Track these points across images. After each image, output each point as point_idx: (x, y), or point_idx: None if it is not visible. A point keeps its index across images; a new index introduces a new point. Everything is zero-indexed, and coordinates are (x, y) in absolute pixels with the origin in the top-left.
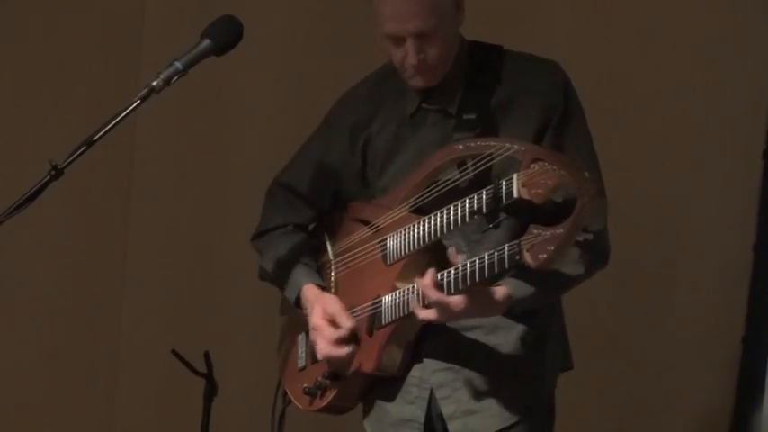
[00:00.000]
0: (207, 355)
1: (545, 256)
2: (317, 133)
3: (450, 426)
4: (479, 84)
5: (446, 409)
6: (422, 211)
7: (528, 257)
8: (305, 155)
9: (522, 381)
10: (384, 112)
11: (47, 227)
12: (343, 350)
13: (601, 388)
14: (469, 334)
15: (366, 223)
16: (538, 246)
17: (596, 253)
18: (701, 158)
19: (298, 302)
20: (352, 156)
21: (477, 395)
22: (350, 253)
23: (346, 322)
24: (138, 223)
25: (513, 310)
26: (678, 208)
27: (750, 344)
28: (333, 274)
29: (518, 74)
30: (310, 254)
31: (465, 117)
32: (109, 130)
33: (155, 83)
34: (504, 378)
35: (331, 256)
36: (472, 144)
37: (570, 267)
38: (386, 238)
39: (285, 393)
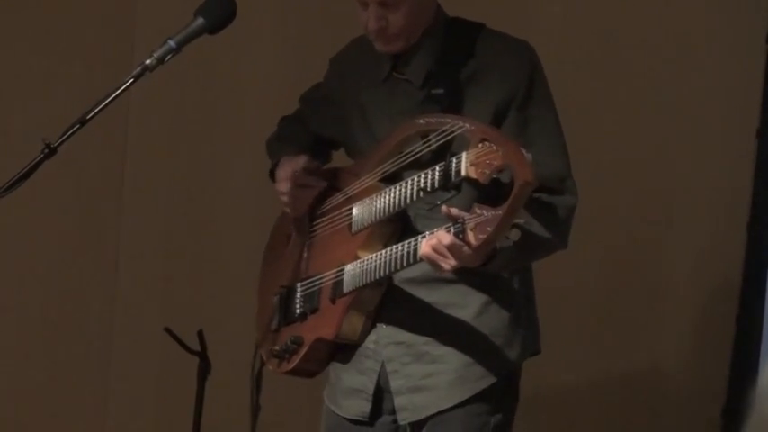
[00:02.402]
0: (200, 334)
1: (484, 236)
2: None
3: (396, 400)
4: (451, 59)
5: (394, 383)
6: (389, 180)
7: (471, 237)
8: (315, 91)
9: (478, 360)
10: (363, 72)
11: (39, 207)
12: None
13: (592, 370)
14: (427, 308)
15: (338, 190)
16: (480, 226)
17: (561, 209)
18: (694, 138)
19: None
20: (336, 104)
21: (427, 372)
22: (321, 219)
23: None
24: (132, 202)
25: (489, 265)
26: (671, 186)
27: (743, 322)
28: (308, 240)
29: (488, 51)
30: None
31: (433, 92)
32: (102, 109)
33: (148, 61)
34: (457, 356)
35: (307, 223)
36: (432, 120)
37: (538, 227)
38: (352, 207)
39: (261, 357)
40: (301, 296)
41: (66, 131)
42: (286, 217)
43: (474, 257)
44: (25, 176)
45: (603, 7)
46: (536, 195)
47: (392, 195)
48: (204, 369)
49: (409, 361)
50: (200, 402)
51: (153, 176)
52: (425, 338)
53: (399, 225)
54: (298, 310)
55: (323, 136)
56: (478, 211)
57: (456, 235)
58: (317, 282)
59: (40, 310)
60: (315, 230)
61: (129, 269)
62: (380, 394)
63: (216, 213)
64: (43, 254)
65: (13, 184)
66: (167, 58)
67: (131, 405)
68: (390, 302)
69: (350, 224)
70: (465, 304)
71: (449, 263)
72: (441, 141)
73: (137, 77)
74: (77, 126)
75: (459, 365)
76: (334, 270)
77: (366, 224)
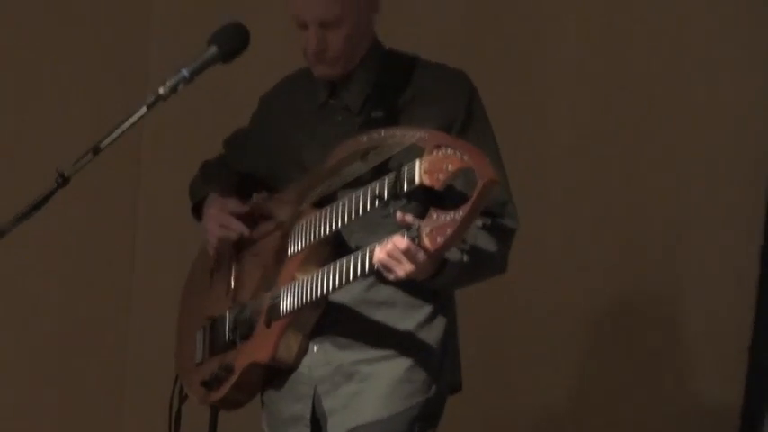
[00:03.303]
0: None
1: (442, 239)
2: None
3: (330, 420)
4: (389, 85)
5: (327, 404)
6: (323, 204)
7: (427, 241)
8: (240, 133)
9: (407, 379)
10: (296, 103)
11: (53, 233)
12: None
13: (609, 392)
14: (360, 329)
15: (269, 217)
16: (437, 229)
17: (502, 233)
18: (705, 162)
19: (199, 206)
20: (265, 140)
21: (357, 390)
22: (251, 248)
23: (239, 226)
24: (146, 229)
25: (438, 278)
26: (684, 213)
27: (756, 352)
28: (234, 269)
29: (426, 79)
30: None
31: (372, 115)
32: (116, 138)
33: (161, 90)
34: (387, 374)
35: (233, 253)
36: (376, 135)
37: (484, 243)
38: (284, 233)
39: (182, 391)
40: (231, 324)
41: (80, 160)
42: (206, 252)
43: (429, 264)
44: (38, 206)
45: (617, 23)
46: (485, 219)
47: (330, 215)
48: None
49: (340, 381)
50: (215, 418)
51: (166, 203)
52: (357, 358)
53: (335, 246)
54: (227, 338)
55: (248, 175)
56: (434, 216)
57: (412, 240)
58: (249, 308)
59: (52, 337)
60: (242, 260)
61: (144, 293)
62: (319, 420)
63: None
64: (56, 279)
65: (26, 215)
66: (180, 87)
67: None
68: (323, 325)
69: (284, 249)
70: (403, 319)
71: (404, 268)
72: (385, 156)
73: (150, 106)
74: (91, 155)
75: (389, 381)
76: (269, 294)
77: (302, 246)
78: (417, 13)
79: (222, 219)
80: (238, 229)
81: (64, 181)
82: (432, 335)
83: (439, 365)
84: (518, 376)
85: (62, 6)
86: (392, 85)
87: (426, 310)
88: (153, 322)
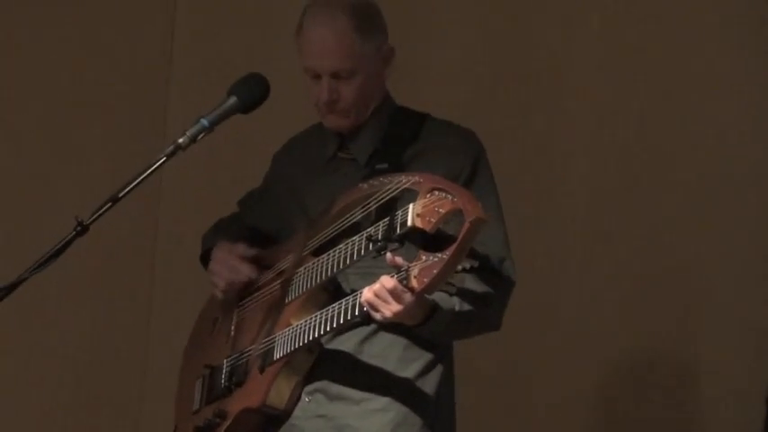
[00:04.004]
0: None
1: (428, 279)
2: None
3: None
4: (397, 139)
5: None
6: (323, 251)
7: (414, 282)
8: (252, 192)
9: None
10: (306, 157)
11: (71, 280)
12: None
13: None
14: (352, 381)
15: (270, 266)
16: (424, 270)
17: (497, 284)
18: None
19: (207, 256)
20: (276, 194)
21: None
22: (251, 297)
23: (247, 269)
24: (164, 281)
25: (428, 324)
26: (700, 267)
27: None
28: (235, 317)
29: (434, 134)
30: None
31: (377, 167)
32: (135, 187)
33: (181, 140)
34: (376, 429)
35: (235, 303)
36: (375, 182)
37: (475, 285)
38: (284, 280)
39: None
40: (227, 371)
41: (99, 209)
42: (212, 301)
43: (415, 306)
44: (57, 254)
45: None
46: (477, 265)
47: (327, 259)
48: None
49: None
50: None
51: (185, 254)
52: (347, 412)
53: (332, 293)
54: (223, 385)
55: (259, 230)
56: (423, 258)
57: (399, 280)
58: (245, 355)
59: (73, 364)
60: (244, 308)
61: (161, 331)
62: None
63: None
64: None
65: (44, 263)
66: (200, 137)
67: None
68: (316, 374)
69: (282, 295)
70: (401, 370)
71: (390, 308)
72: (381, 201)
73: (169, 156)
74: (110, 204)
75: None
76: (264, 341)
77: (299, 293)
78: (433, 72)
79: (231, 261)
80: (246, 271)
81: (82, 229)
82: (426, 387)
83: (432, 418)
84: None
85: (82, 54)
86: (400, 140)
87: (422, 361)
88: (171, 358)
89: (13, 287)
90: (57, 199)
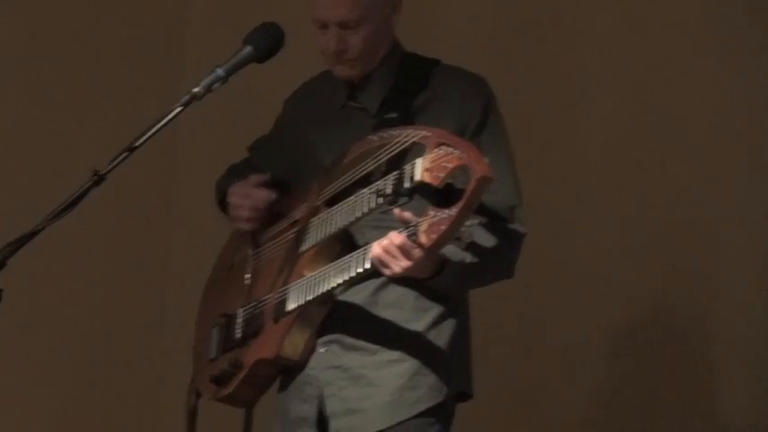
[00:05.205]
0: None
1: (436, 235)
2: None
3: (332, 423)
4: (405, 88)
5: (330, 406)
6: (336, 202)
7: (423, 237)
8: (263, 138)
9: (414, 385)
10: (316, 105)
11: (87, 231)
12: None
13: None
14: (367, 331)
15: (283, 216)
16: (432, 226)
17: (507, 236)
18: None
19: (224, 200)
20: (287, 142)
21: (363, 394)
22: (266, 245)
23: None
24: (181, 229)
25: (439, 278)
26: (716, 224)
27: None
28: (251, 267)
29: (443, 82)
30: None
31: (386, 117)
32: (150, 137)
33: (196, 89)
34: (394, 379)
35: (251, 251)
36: (385, 134)
37: (485, 242)
38: (298, 229)
39: (197, 390)
40: (242, 321)
41: (115, 159)
42: (228, 248)
43: (425, 261)
44: (73, 204)
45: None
46: (486, 221)
47: (339, 210)
48: None
49: (346, 384)
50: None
51: (202, 203)
52: (363, 362)
53: (346, 245)
54: (238, 335)
55: (272, 176)
56: (432, 213)
57: (409, 236)
58: (260, 305)
59: (86, 337)
60: (258, 256)
61: (179, 294)
62: (325, 422)
63: None
64: (90, 277)
65: (60, 212)
66: (215, 86)
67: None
68: (331, 325)
69: (296, 245)
70: (412, 321)
71: (399, 264)
72: (391, 154)
73: (185, 105)
74: (126, 154)
75: (394, 389)
76: (278, 291)
77: (312, 243)
78: (446, 15)
79: (249, 190)
80: (266, 194)
81: (99, 179)
82: (440, 338)
83: (447, 370)
84: (537, 390)
85: (97, 4)
86: (409, 88)
87: (435, 312)
88: (188, 319)
89: (30, 236)
90: (72, 150)
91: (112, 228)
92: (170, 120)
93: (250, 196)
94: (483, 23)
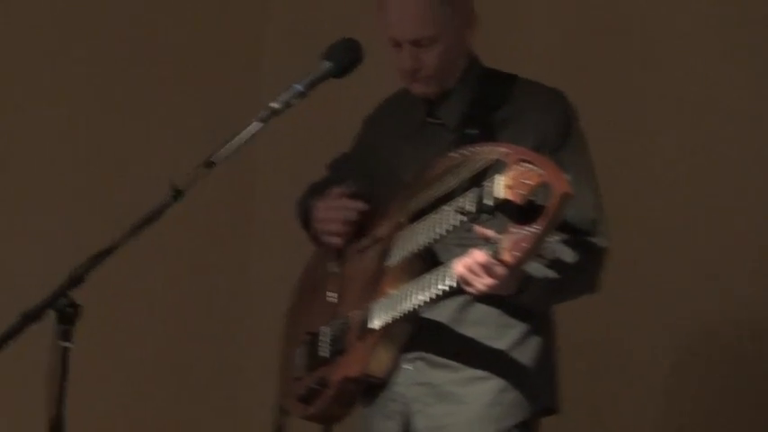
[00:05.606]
0: None
1: (519, 253)
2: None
3: None
4: (484, 103)
5: (416, 423)
6: (419, 218)
7: (506, 255)
8: (342, 155)
9: (501, 401)
10: (396, 122)
11: (165, 247)
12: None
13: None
14: (453, 348)
15: (367, 232)
16: (515, 243)
17: (590, 251)
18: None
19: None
20: (367, 159)
21: (449, 411)
22: (350, 262)
23: (354, 202)
24: (259, 245)
25: (522, 295)
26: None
27: None
28: (335, 284)
29: (523, 97)
30: None
31: (467, 132)
32: (229, 152)
33: (275, 105)
34: (481, 396)
35: (336, 268)
36: (466, 152)
37: (568, 258)
38: (381, 246)
39: (282, 408)
40: (327, 339)
41: (194, 174)
42: (311, 267)
43: (508, 279)
44: (152, 219)
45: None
46: (568, 236)
47: (422, 228)
48: None
49: (432, 401)
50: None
51: (281, 217)
52: (449, 378)
53: (429, 262)
54: (324, 354)
55: (352, 194)
56: (514, 230)
57: (490, 254)
58: (345, 323)
59: (169, 341)
60: (342, 274)
61: (257, 315)
62: None
63: None
64: (168, 303)
65: (139, 228)
66: (293, 102)
67: None
68: (416, 342)
69: (380, 262)
70: (497, 338)
71: (483, 282)
72: (473, 171)
73: (264, 121)
74: (204, 169)
75: (480, 406)
76: (362, 308)
77: (396, 261)
78: (521, 30)
79: (335, 202)
80: (354, 204)
81: (178, 194)
82: (525, 355)
83: (533, 387)
84: (620, 403)
85: (176, 19)
86: (489, 103)
87: (520, 329)
88: (267, 336)
89: (109, 251)
90: (151, 165)
91: (190, 244)
92: (249, 135)
93: (338, 209)
94: (559, 36)
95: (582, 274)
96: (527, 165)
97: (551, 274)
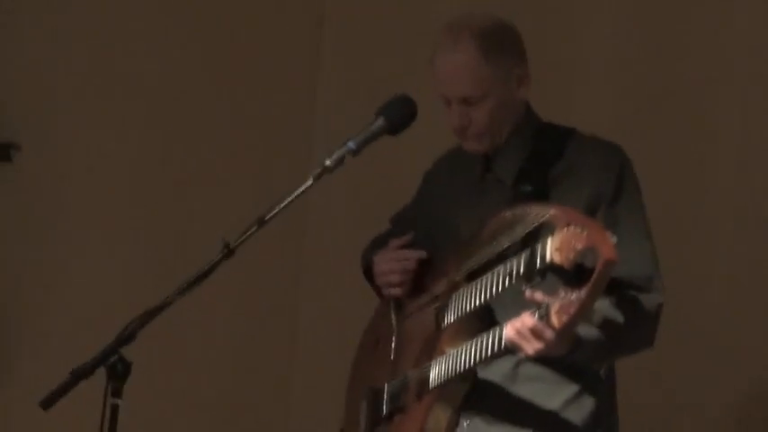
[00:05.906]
0: None
1: (566, 317)
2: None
3: None
4: (540, 158)
5: None
6: (476, 277)
7: (554, 319)
8: (405, 208)
9: None
10: (455, 176)
11: (215, 304)
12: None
13: None
14: (509, 406)
15: (425, 290)
16: (563, 308)
17: (642, 308)
18: None
19: (369, 269)
20: (427, 214)
21: None
22: (409, 319)
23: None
24: (309, 302)
25: (574, 355)
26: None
27: None
28: (395, 341)
29: (578, 151)
30: None
31: (522, 189)
32: (281, 210)
33: (327, 162)
34: None
35: (394, 324)
36: (518, 211)
37: (619, 318)
38: (439, 305)
39: None
40: (387, 396)
41: (245, 232)
42: (374, 321)
43: (558, 341)
44: (204, 276)
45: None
46: (622, 292)
47: (477, 288)
48: None
49: None
50: None
51: (330, 274)
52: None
53: (487, 321)
54: (383, 411)
55: (412, 237)
56: (563, 294)
57: (540, 318)
58: (404, 381)
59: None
60: (402, 331)
61: (306, 372)
62: None
63: None
64: (218, 360)
65: (191, 285)
66: (347, 159)
67: None
68: (474, 400)
69: (437, 322)
70: (551, 396)
71: (533, 346)
72: (524, 232)
73: (316, 178)
74: (256, 227)
75: None
76: (421, 367)
77: (452, 319)
78: (577, 83)
79: (394, 254)
80: (413, 254)
81: (229, 252)
82: (578, 415)
83: None
84: None
85: (228, 78)
86: (545, 158)
87: (572, 388)
88: (315, 394)
89: (159, 309)
90: (202, 220)
91: (241, 301)
92: (301, 192)
93: (397, 260)
94: (618, 86)
95: (635, 331)
96: (575, 228)
97: (602, 334)
